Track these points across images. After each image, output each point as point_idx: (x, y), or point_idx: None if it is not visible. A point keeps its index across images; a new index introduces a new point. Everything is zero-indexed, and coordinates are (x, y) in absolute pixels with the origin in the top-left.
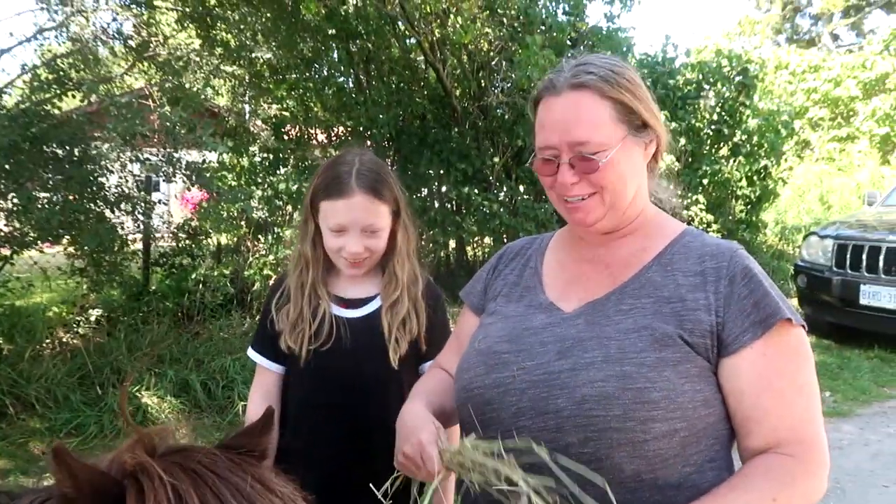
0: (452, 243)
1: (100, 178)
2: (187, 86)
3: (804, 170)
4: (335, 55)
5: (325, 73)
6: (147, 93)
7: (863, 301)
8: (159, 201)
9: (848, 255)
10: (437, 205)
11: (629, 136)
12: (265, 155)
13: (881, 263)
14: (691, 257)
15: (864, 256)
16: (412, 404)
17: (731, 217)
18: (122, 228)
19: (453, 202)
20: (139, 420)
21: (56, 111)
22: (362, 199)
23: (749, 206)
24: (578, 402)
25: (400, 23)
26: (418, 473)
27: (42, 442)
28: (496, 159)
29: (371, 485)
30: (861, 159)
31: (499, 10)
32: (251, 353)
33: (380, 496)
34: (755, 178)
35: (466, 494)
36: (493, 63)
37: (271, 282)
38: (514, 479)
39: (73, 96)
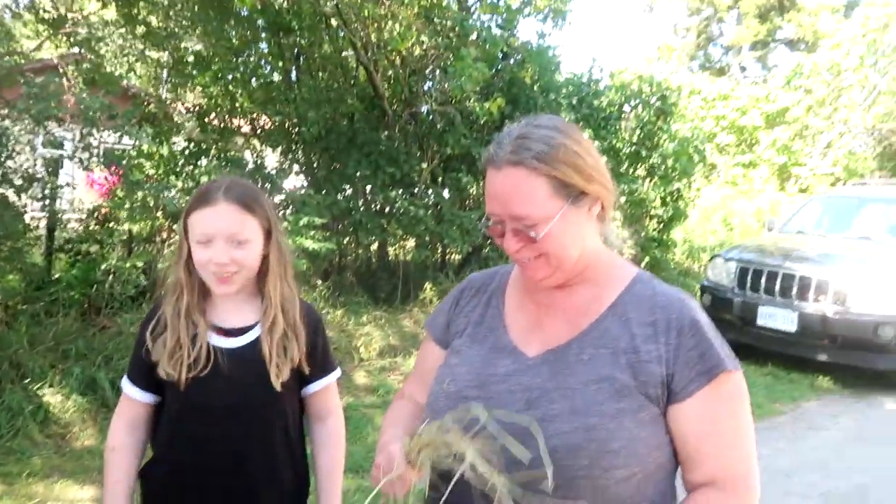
0: (375, 245)
1: (7, 161)
2: (108, 68)
3: (710, 192)
4: (264, 47)
5: (253, 63)
6: (61, 70)
7: (760, 321)
8: (67, 184)
9: (749, 278)
10: (361, 206)
11: (567, 207)
12: (186, 144)
13: (777, 287)
14: (643, 307)
15: (762, 280)
16: (384, 435)
17: (643, 235)
18: (27, 212)
19: (378, 204)
20: (40, 420)
21: None
22: (227, 206)
23: (661, 225)
24: (549, 452)
25: (334, 20)
26: (390, 487)
27: None
28: (424, 165)
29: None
30: (762, 185)
31: (435, 20)
32: (125, 382)
33: None
34: (668, 199)
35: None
36: (427, 71)
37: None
38: (462, 450)
39: None
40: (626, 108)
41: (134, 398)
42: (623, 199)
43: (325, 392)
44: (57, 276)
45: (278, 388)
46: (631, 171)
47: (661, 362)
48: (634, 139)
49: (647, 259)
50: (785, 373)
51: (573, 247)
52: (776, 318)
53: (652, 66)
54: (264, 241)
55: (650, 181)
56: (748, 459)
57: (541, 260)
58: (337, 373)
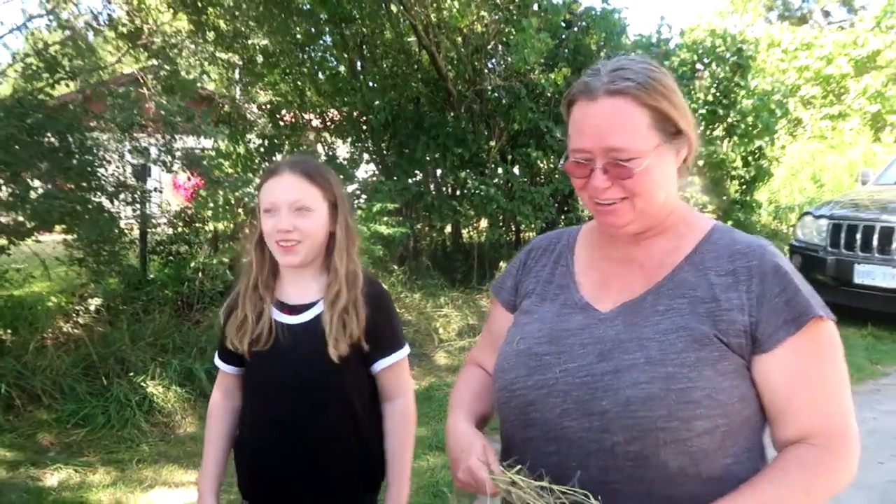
0: (449, 227)
1: (98, 168)
2: (182, 73)
3: (797, 148)
4: (328, 39)
5: (319, 57)
6: (141, 80)
7: (857, 280)
8: (155, 189)
9: (842, 235)
10: (433, 189)
11: (663, 144)
12: (261, 141)
13: (875, 242)
14: (722, 256)
15: (858, 236)
16: (456, 420)
17: (725, 198)
18: (121, 217)
19: (449, 186)
20: (145, 410)
21: (48, 100)
22: (291, 176)
23: (744, 187)
24: (624, 403)
25: (393, 6)
26: (476, 491)
27: (50, 433)
28: (492, 143)
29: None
30: (853, 137)
31: None
32: (216, 354)
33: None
34: (750, 158)
35: None
36: (489, 47)
37: None
38: None
39: (67, 85)
40: (700, 66)
41: (223, 369)
42: (701, 162)
43: (392, 371)
44: (152, 276)
45: (336, 361)
46: (708, 131)
47: (743, 310)
48: (710, 98)
49: (730, 223)
50: (887, 333)
51: (661, 189)
52: (874, 275)
53: (726, 21)
54: (329, 215)
55: (729, 141)
56: (845, 412)
57: (625, 203)
58: (403, 352)
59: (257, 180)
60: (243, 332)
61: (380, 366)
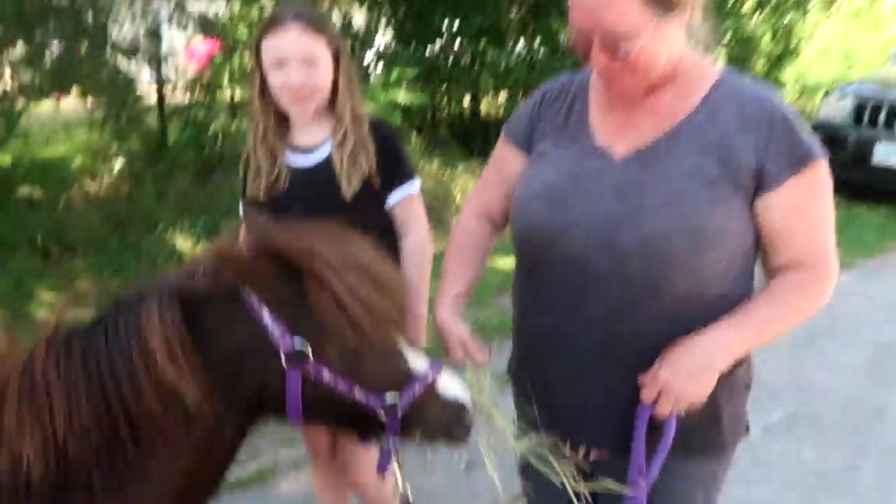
0: (467, 100)
1: (112, 30)
2: None
3: (829, 26)
4: None
5: None
6: None
7: (876, 160)
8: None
9: (866, 114)
10: (450, 60)
11: (659, 19)
12: (273, 4)
13: None
14: (732, 103)
15: (881, 116)
16: (442, 314)
17: (752, 75)
18: (138, 80)
19: (468, 57)
20: (174, 265)
21: None
22: (298, 28)
23: (771, 64)
24: (643, 239)
25: None
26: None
27: (88, 280)
28: (513, 12)
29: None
30: (891, 15)
31: None
32: (240, 207)
33: None
34: (779, 34)
35: None
36: None
37: None
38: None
39: None
40: None
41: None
42: (727, 37)
43: (403, 205)
44: (171, 140)
45: (348, 197)
46: (737, 5)
47: (752, 154)
48: None
49: None
50: None
51: (661, 58)
52: (894, 155)
53: None
54: (333, 64)
55: (759, 14)
56: (830, 242)
57: (626, 73)
58: (413, 184)
59: None
60: (259, 180)
61: (392, 200)
